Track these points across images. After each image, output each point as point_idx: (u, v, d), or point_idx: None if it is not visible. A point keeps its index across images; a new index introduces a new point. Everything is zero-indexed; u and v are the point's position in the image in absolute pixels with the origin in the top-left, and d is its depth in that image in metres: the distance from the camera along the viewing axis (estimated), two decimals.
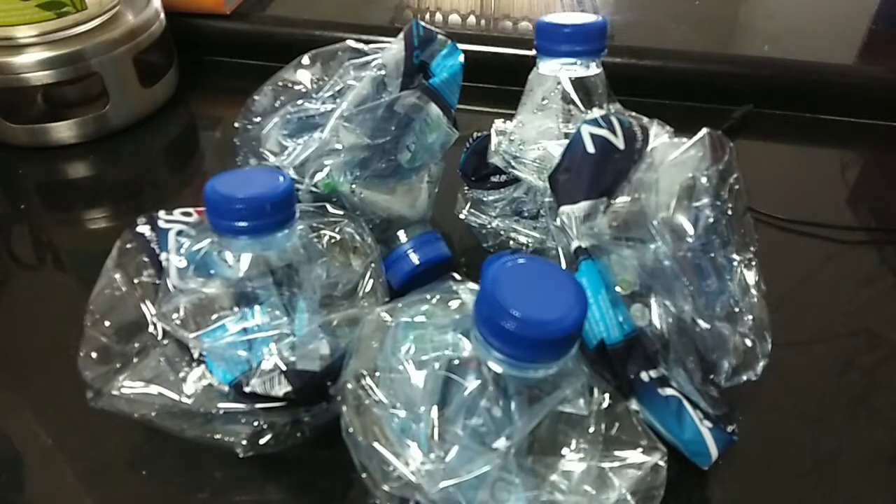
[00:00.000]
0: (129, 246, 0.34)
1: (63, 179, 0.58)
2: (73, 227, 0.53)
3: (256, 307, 0.31)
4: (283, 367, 0.30)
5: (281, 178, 0.31)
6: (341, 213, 0.36)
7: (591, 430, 0.26)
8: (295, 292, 0.32)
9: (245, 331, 0.31)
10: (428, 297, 0.29)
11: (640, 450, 0.26)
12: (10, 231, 0.52)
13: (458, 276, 0.31)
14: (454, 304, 0.28)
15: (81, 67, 0.56)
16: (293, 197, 0.32)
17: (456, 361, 0.25)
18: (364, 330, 0.29)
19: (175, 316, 0.31)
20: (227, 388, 0.31)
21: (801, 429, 0.37)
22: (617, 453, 0.26)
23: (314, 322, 0.32)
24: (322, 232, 0.35)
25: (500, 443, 0.24)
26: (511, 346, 0.23)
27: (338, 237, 0.35)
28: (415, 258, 0.41)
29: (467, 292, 0.29)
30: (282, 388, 0.30)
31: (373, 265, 0.35)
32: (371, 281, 0.34)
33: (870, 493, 0.35)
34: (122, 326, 0.32)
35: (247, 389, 0.30)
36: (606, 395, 0.27)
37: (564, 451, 0.25)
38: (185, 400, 0.31)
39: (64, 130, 0.58)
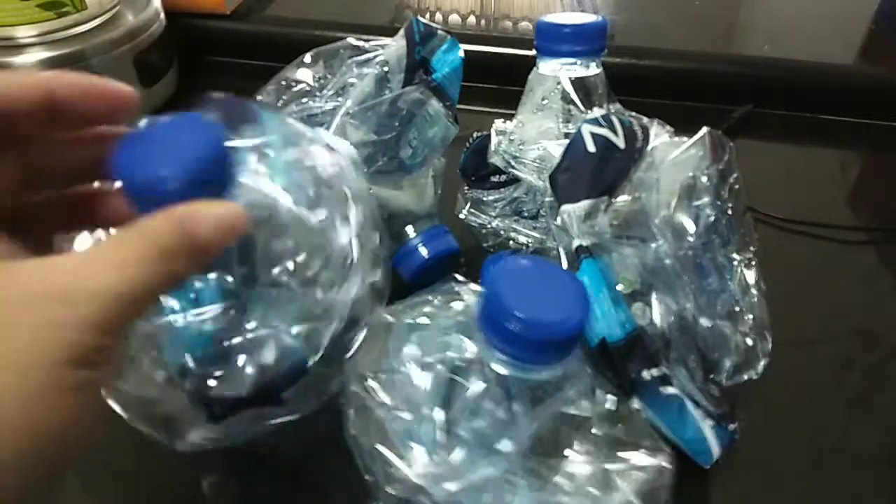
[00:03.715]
0: None
1: None
2: None
3: (210, 304, 0.30)
4: (242, 367, 0.29)
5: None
6: None
7: (596, 431, 0.26)
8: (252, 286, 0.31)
9: (197, 322, 0.29)
10: (430, 298, 0.29)
11: (644, 451, 0.26)
12: None
13: (460, 278, 0.31)
14: (457, 305, 0.28)
15: (81, 67, 0.56)
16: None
17: (459, 363, 0.25)
18: (367, 332, 0.29)
19: None
20: (187, 385, 0.29)
21: (801, 429, 0.38)
22: (621, 455, 0.26)
23: (269, 320, 0.31)
24: None
25: (504, 444, 0.24)
26: (515, 348, 0.23)
27: None
28: (424, 252, 0.42)
29: (470, 293, 0.29)
30: (238, 389, 0.29)
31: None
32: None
33: (870, 493, 0.35)
34: None
35: (208, 391, 0.29)
36: (610, 397, 0.27)
37: (568, 452, 0.25)
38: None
39: None
